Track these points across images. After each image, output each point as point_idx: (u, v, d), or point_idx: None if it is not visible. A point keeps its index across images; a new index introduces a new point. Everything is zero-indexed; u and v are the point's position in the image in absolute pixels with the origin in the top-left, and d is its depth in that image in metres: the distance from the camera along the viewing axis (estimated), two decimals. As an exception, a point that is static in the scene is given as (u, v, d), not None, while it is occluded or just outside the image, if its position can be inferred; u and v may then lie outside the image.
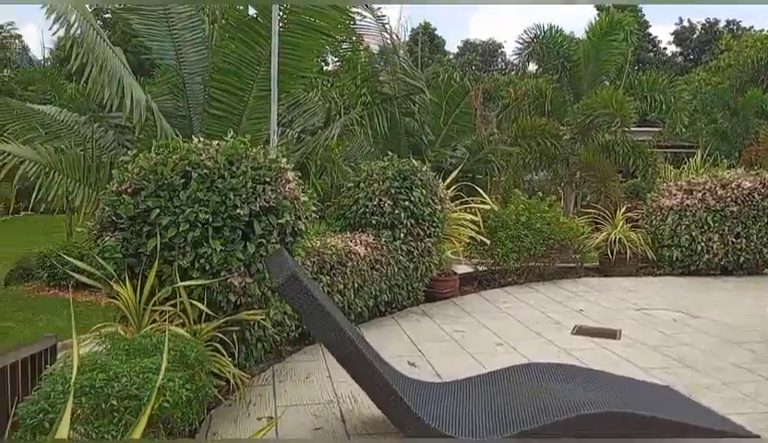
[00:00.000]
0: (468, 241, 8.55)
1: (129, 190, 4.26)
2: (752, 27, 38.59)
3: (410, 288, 7.30)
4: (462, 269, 9.07)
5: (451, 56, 50.91)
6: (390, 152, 7.70)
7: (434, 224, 7.37)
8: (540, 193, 9.65)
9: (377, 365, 3.81)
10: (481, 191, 8.90)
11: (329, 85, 12.47)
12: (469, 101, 10.59)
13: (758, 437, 3.88)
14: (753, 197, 9.55)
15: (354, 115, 8.09)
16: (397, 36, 9.56)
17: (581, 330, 6.60)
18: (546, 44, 12.23)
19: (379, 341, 5.86)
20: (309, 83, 9.84)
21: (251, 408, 4.44)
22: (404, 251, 7.11)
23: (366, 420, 4.25)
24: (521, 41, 12.45)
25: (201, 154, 4.39)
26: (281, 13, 6.67)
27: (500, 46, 51.95)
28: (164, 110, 6.76)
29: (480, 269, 9.15)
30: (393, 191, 7.06)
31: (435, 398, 4.14)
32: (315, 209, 5.20)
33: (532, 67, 14.42)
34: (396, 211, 7.01)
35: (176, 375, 3.37)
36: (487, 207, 8.64)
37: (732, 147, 18.92)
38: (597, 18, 12.32)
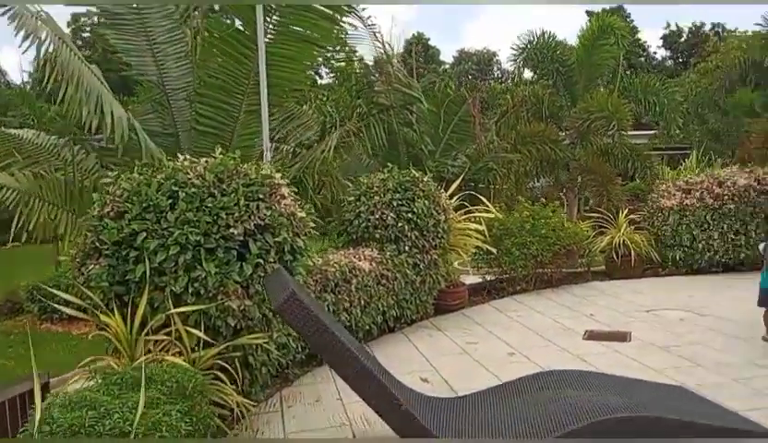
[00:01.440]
0: (474, 251, 8.36)
1: (112, 214, 4.02)
2: (737, 28, 38.70)
3: (418, 301, 7.08)
4: (471, 279, 8.88)
5: (447, 66, 51.05)
6: (389, 164, 7.51)
7: (439, 235, 7.16)
8: (543, 199, 9.46)
9: (386, 383, 3.60)
10: (484, 200, 8.69)
11: (324, 98, 12.27)
12: (467, 110, 10.41)
13: None
14: (749, 193, 9.55)
15: (349, 127, 7.88)
16: (389, 45, 9.40)
17: (592, 335, 6.47)
18: (539, 50, 12.10)
19: (390, 358, 5.68)
20: (303, 96, 9.64)
21: (259, 436, 4.22)
22: (410, 264, 6.89)
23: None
24: (514, 47, 12.33)
25: (188, 173, 4.16)
26: (268, 24, 6.47)
27: (495, 55, 51.99)
28: (150, 129, 6.50)
29: (488, 278, 8.94)
30: (395, 203, 6.87)
31: (449, 413, 3.96)
32: (313, 225, 4.98)
33: (528, 74, 14.32)
34: (399, 224, 6.80)
35: (174, 407, 3.14)
36: (491, 215, 8.42)
37: (724, 146, 18.98)
38: (588, 23, 12.20)
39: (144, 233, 3.89)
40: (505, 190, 11.10)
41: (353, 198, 7.05)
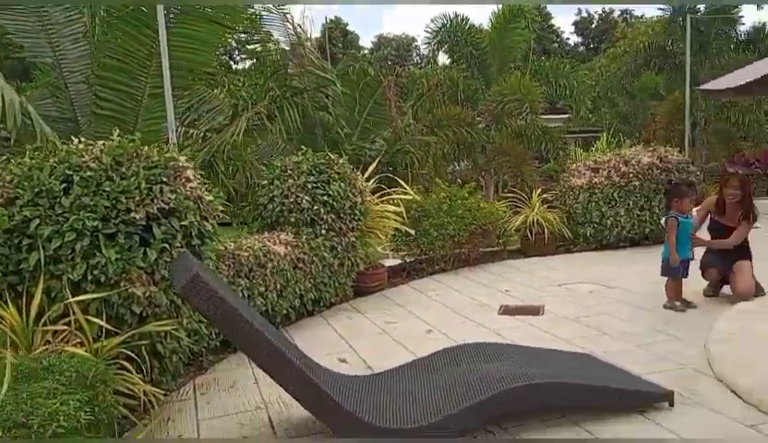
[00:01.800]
0: (394, 233, 8.41)
1: (2, 200, 3.80)
2: (643, 15, 40.62)
3: (337, 284, 7.06)
4: (392, 261, 8.93)
5: (366, 52, 51.00)
6: (303, 147, 7.44)
7: (355, 218, 7.16)
8: (459, 180, 9.63)
9: (299, 363, 3.59)
10: (401, 182, 8.77)
11: (241, 84, 12.01)
12: (383, 93, 10.45)
13: (671, 391, 4.01)
14: (652, 171, 9.97)
15: (260, 109, 7.74)
16: (301, 26, 9.29)
17: (507, 310, 6.64)
18: (453, 33, 12.27)
19: (309, 341, 5.67)
20: (215, 80, 9.38)
21: (170, 425, 4.11)
22: (327, 247, 6.85)
23: (296, 423, 4.01)
24: (429, 30, 12.44)
25: (84, 156, 3.98)
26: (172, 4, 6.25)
27: (414, 40, 52.32)
28: (47, 114, 6.16)
29: (408, 259, 9.02)
30: (310, 186, 6.81)
31: (366, 389, 3.99)
32: (222, 209, 4.89)
33: (445, 59, 14.50)
34: (315, 207, 6.75)
35: (72, 397, 3.02)
36: (409, 197, 8.51)
37: (632, 128, 19.97)
38: (499, 7, 12.46)
39: (37, 220, 3.70)
40: (424, 174, 11.24)
41: (266, 182, 6.95)
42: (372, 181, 8.08)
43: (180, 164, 4.34)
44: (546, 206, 10.29)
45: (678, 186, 6.68)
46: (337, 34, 51.66)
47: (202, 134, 7.61)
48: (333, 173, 7.01)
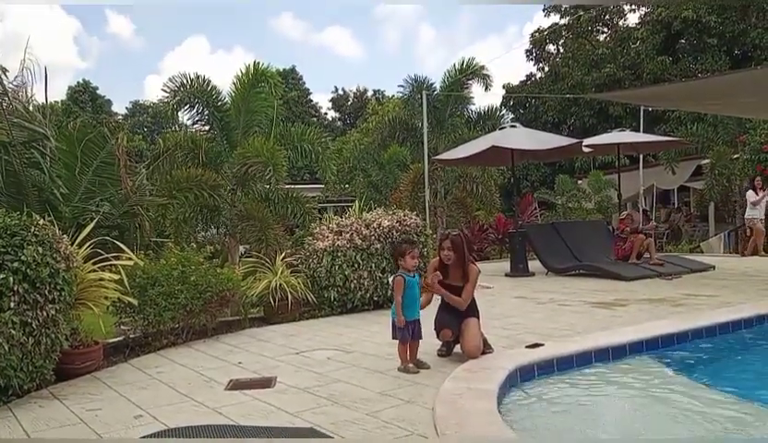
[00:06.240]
0: (115, 303, 7.41)
1: None
2: (393, 95, 44.23)
3: (32, 368, 5.88)
4: (112, 337, 7.89)
5: (120, 117, 48.47)
6: (11, 210, 6.29)
7: (57, 287, 6.12)
8: (194, 245, 8.96)
9: None
10: (124, 247, 7.85)
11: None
12: (111, 151, 9.47)
13: None
14: (393, 233, 10.23)
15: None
16: (5, 70, 8.08)
17: (236, 384, 6.08)
18: (193, 93, 11.75)
19: None
20: None
21: None
22: (18, 323, 5.71)
23: None
24: (167, 89, 11.76)
25: None
26: None
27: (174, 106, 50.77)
28: None
29: (132, 335, 8.00)
30: (-3, 252, 5.69)
31: None
32: None
33: (186, 120, 13.82)
34: (2, 276, 5.63)
35: None
36: (133, 263, 7.61)
37: (383, 196, 21.08)
38: (242, 70, 12.23)
39: None
40: (163, 238, 10.35)
41: (-64, 250, 5.66)
42: (87, 245, 7.10)
43: None
44: (290, 270, 10.02)
45: (398, 245, 6.74)
46: (85, 98, 48.45)
47: None
48: (30, 235, 5.97)
